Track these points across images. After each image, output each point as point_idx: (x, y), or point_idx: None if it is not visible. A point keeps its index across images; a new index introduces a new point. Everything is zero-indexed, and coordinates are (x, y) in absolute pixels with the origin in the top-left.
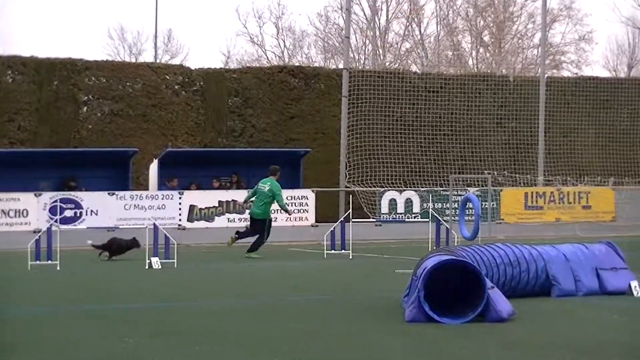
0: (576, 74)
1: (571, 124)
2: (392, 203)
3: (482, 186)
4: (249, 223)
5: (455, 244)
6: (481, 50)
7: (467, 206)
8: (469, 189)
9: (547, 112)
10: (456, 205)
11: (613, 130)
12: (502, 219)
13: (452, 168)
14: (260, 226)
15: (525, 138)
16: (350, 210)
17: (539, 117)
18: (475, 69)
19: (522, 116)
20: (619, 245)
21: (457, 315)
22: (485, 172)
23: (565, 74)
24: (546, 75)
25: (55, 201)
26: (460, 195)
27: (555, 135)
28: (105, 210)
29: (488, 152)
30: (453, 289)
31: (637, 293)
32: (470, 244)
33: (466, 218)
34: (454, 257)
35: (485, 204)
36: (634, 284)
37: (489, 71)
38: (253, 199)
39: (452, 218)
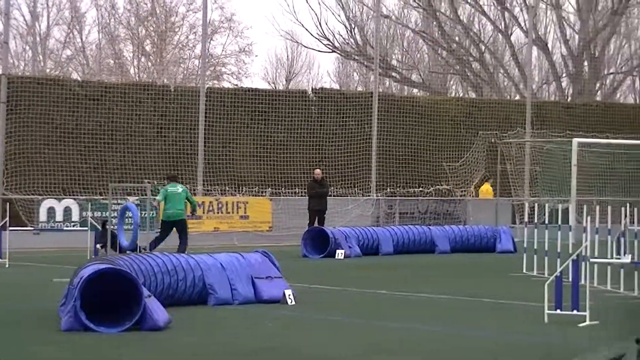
0: (236, 85)
1: (231, 134)
2: (51, 211)
3: (142, 195)
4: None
5: (115, 253)
6: (143, 59)
7: (126, 215)
8: (128, 197)
9: (207, 123)
10: (115, 214)
11: (271, 141)
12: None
13: (112, 176)
14: (182, 226)
15: (185, 148)
16: (8, 218)
17: (199, 127)
18: (137, 77)
19: (183, 126)
20: (275, 254)
21: (115, 324)
22: (145, 181)
23: (226, 85)
24: (206, 86)
25: None
26: (120, 204)
27: (215, 146)
28: None
29: (148, 162)
30: (110, 298)
31: (291, 301)
32: (130, 253)
33: (125, 227)
34: (112, 266)
35: (145, 213)
36: (288, 292)
37: (150, 80)
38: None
39: (112, 227)
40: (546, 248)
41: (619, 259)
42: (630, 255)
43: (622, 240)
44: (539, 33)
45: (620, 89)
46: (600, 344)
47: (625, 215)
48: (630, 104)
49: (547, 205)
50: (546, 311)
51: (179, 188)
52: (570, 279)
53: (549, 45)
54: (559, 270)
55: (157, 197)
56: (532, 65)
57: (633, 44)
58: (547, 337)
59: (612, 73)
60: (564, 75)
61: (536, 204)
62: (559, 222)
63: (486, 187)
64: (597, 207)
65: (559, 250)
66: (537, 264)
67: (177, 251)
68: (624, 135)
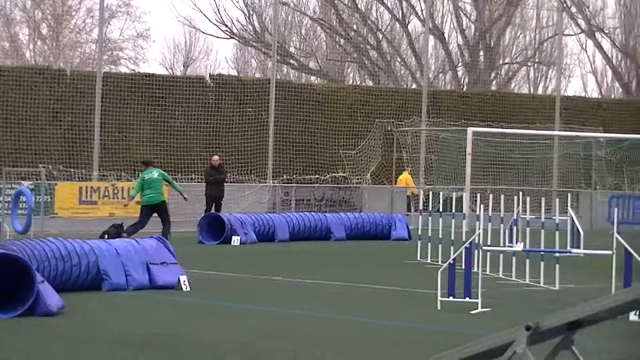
0: (133, 70)
1: (127, 120)
2: None
3: (37, 180)
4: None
5: (8, 238)
6: (39, 42)
7: (20, 200)
8: (23, 182)
9: (103, 108)
10: (9, 199)
11: (168, 127)
12: (56, 213)
13: (6, 161)
14: (162, 208)
15: (81, 133)
16: None
17: (95, 112)
18: (33, 61)
19: (79, 111)
20: (170, 240)
21: (7, 310)
22: (40, 165)
23: (123, 70)
24: (103, 71)
25: None
26: (13, 188)
27: (111, 131)
28: None
29: (44, 146)
30: (3, 283)
31: (186, 287)
32: (23, 238)
33: (19, 212)
34: (4, 251)
35: (39, 198)
36: (183, 278)
37: (46, 64)
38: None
39: (5, 212)
40: (440, 236)
41: (511, 246)
42: (522, 244)
43: (514, 228)
44: (436, 22)
45: (515, 79)
46: (491, 331)
47: (518, 204)
48: (525, 94)
49: (441, 193)
50: (439, 298)
51: (155, 173)
52: (463, 267)
53: (446, 35)
54: (452, 257)
55: (135, 189)
56: (429, 55)
57: (528, 34)
58: (439, 324)
59: (507, 63)
60: (459, 64)
61: (431, 192)
62: (453, 210)
63: (405, 176)
64: (491, 196)
65: (452, 238)
66: (431, 252)
67: (161, 233)
68: (518, 125)
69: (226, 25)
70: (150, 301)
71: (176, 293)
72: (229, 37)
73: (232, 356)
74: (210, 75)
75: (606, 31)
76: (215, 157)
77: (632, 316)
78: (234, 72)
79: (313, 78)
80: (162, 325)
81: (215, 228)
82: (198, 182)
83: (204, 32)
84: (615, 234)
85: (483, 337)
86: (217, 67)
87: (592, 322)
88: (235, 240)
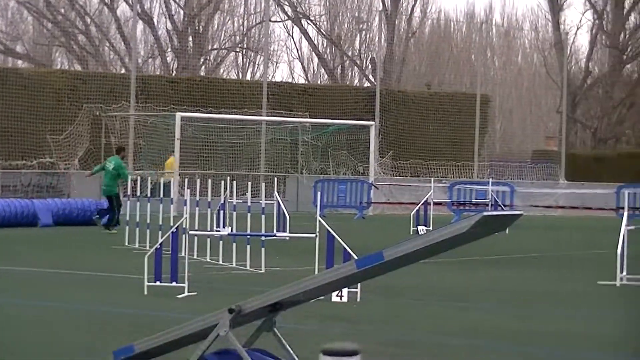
0: None
1: None
2: None
3: None
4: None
5: None
6: None
7: None
8: None
9: None
10: None
11: None
12: None
13: None
14: (111, 201)
15: None
16: None
17: None
18: None
19: None
20: None
21: None
22: None
23: None
24: None
25: None
26: None
27: None
28: None
29: None
30: None
31: None
32: None
33: None
34: None
35: None
36: None
37: None
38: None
39: None
40: (148, 221)
41: (218, 231)
42: (229, 228)
43: (221, 212)
44: (145, 7)
45: (223, 65)
46: (197, 315)
47: (226, 189)
48: (233, 79)
49: (149, 178)
50: (146, 283)
51: (112, 164)
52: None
53: (155, 20)
54: (159, 242)
55: (95, 167)
56: (138, 39)
57: (236, 20)
58: (145, 308)
59: (215, 49)
60: (169, 49)
61: (139, 177)
62: (162, 195)
63: (171, 161)
64: (198, 181)
65: (160, 223)
66: (139, 237)
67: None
68: (226, 110)
69: None
70: None
71: None
72: None
73: None
74: None
75: (312, 18)
76: None
77: (334, 297)
78: None
79: (20, 62)
80: None
81: None
82: None
83: None
84: (319, 217)
85: (188, 320)
86: None
87: (293, 303)
88: None
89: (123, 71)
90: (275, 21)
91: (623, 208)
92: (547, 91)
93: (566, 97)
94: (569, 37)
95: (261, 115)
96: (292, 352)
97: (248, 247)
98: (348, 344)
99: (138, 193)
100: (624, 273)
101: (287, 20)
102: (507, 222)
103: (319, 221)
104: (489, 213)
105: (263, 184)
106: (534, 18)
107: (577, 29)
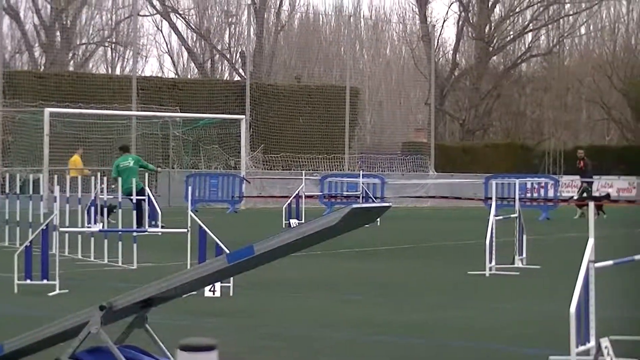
0: None
1: None
2: None
3: None
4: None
5: None
6: None
7: None
8: None
9: None
10: None
11: None
12: None
13: None
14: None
15: None
16: None
17: None
18: None
19: None
20: None
21: None
22: None
23: None
24: None
25: None
26: None
27: None
28: None
29: None
30: None
31: None
32: None
33: None
34: None
35: None
36: None
37: None
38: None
39: None
40: (18, 218)
41: (90, 227)
42: (100, 224)
43: (92, 209)
44: (11, 2)
45: (92, 60)
46: (69, 313)
47: (96, 185)
48: (102, 75)
49: (19, 175)
50: (16, 281)
51: (131, 161)
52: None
53: (21, 15)
54: (29, 240)
55: (112, 174)
56: (4, 35)
57: (104, 14)
58: (16, 307)
59: (84, 44)
60: (36, 44)
61: (8, 174)
62: (31, 192)
63: (75, 158)
64: (68, 177)
65: (30, 220)
66: (9, 235)
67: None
68: (96, 105)
69: None
70: None
71: None
72: None
73: None
74: None
75: (180, 12)
76: None
77: (207, 292)
78: None
79: None
80: None
81: None
82: None
83: None
84: (190, 212)
85: (59, 319)
86: None
87: (164, 299)
88: None
89: None
90: (144, 15)
91: (491, 198)
92: (416, 83)
93: (434, 89)
94: (436, 29)
95: (131, 110)
96: (164, 348)
97: (120, 243)
98: (205, 339)
99: (7, 190)
100: (493, 263)
101: (156, 14)
102: (377, 214)
103: (191, 216)
104: (358, 205)
105: (134, 179)
106: (401, 11)
107: (444, 21)
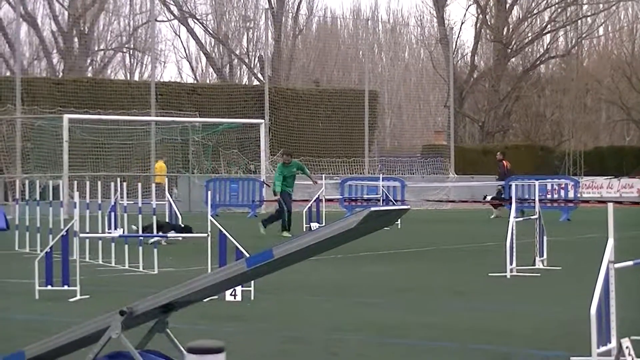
0: None
1: None
2: None
3: None
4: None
5: None
6: None
7: None
8: None
9: None
10: None
11: None
12: None
13: None
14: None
15: None
16: None
17: None
18: None
19: None
20: None
21: None
22: None
23: None
24: None
25: None
26: None
27: None
28: None
29: None
30: None
31: None
32: None
33: None
34: None
35: None
36: None
37: None
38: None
39: None
40: (38, 225)
41: (110, 233)
42: (120, 229)
43: (112, 214)
44: (28, 9)
45: (110, 65)
46: (89, 318)
47: (116, 190)
48: (121, 80)
49: (38, 181)
50: (37, 287)
51: (294, 169)
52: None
53: (39, 21)
54: (49, 246)
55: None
56: (22, 41)
57: (122, 20)
58: (36, 313)
59: (102, 50)
60: (54, 51)
61: (27, 181)
62: (51, 199)
63: (160, 164)
64: (88, 183)
65: (50, 226)
66: (29, 241)
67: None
68: (115, 111)
69: None
70: None
71: None
72: None
73: None
74: None
75: (198, 17)
76: None
77: (228, 296)
78: None
79: None
80: None
81: None
82: None
83: None
84: (210, 217)
85: (80, 324)
86: None
87: (185, 304)
88: None
89: (8, 74)
90: (162, 21)
91: (512, 200)
92: (435, 86)
93: (453, 92)
94: (454, 32)
95: (150, 116)
96: (185, 352)
97: (140, 248)
98: (213, 341)
99: (27, 196)
100: (514, 264)
101: (173, 19)
102: (395, 217)
103: (211, 221)
104: (376, 208)
105: (154, 184)
106: (419, 14)
107: (462, 24)
